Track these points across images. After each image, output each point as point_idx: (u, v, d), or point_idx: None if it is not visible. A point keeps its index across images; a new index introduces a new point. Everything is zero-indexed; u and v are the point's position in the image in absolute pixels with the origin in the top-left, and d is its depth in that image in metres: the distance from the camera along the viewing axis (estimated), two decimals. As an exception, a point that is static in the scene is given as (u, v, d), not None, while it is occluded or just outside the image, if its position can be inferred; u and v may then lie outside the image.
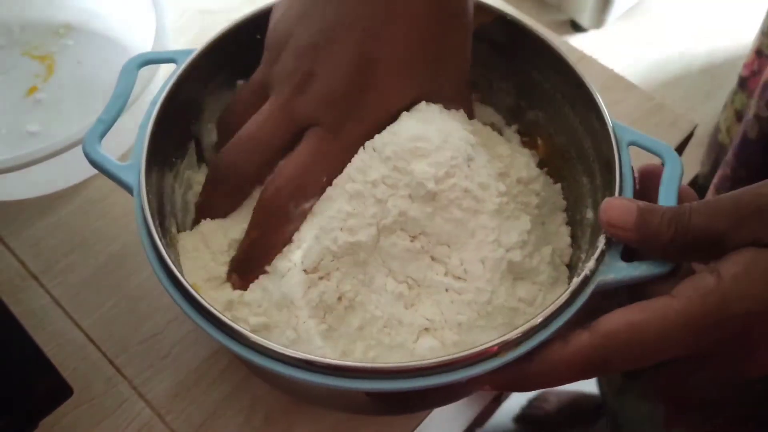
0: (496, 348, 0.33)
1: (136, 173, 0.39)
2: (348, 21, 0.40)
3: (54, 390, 0.36)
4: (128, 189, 0.39)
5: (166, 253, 0.36)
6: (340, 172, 0.41)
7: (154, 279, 0.49)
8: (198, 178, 0.45)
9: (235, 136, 0.42)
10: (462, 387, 0.39)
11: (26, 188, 0.53)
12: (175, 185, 0.44)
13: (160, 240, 0.37)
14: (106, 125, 0.41)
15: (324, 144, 0.40)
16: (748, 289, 0.32)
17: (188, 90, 0.44)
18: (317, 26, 0.41)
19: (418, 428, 0.45)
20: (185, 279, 0.36)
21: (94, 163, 0.40)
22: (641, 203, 0.36)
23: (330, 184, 0.41)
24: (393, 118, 0.41)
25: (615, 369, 0.34)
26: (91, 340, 0.47)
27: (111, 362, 0.47)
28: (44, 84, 0.59)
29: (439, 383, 0.33)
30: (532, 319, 0.34)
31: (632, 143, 0.41)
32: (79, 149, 0.49)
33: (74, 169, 0.53)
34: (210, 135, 0.47)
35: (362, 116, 0.41)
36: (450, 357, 0.33)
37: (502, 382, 0.35)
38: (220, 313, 0.34)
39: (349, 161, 0.41)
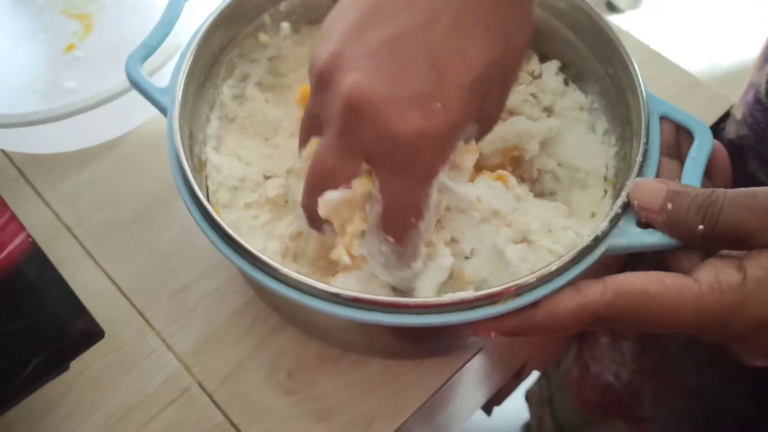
0: (501, 292, 0.34)
1: (171, 96, 0.40)
2: None
3: (86, 331, 0.37)
4: (162, 110, 0.41)
5: (193, 176, 0.38)
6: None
7: (184, 234, 0.50)
8: (237, 110, 0.46)
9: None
10: (467, 331, 0.40)
11: (63, 143, 0.54)
12: (211, 115, 0.45)
13: (188, 162, 0.38)
14: (149, 49, 0.43)
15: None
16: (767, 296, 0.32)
17: (232, 24, 0.45)
18: None
19: (431, 400, 0.45)
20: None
21: (133, 83, 0.42)
22: (672, 185, 0.35)
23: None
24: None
25: (617, 327, 0.34)
26: (122, 292, 0.48)
27: (141, 314, 0.47)
28: (82, 42, 0.60)
29: (442, 322, 0.34)
30: (532, 274, 0.34)
31: (664, 115, 0.41)
32: (114, 105, 0.50)
33: (110, 125, 0.54)
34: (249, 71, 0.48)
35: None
36: (456, 297, 0.34)
37: (507, 328, 0.35)
38: (241, 238, 0.36)
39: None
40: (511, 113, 0.47)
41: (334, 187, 0.36)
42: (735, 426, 0.64)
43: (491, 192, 0.40)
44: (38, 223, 0.51)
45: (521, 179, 0.45)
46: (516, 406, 1.01)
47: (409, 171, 0.35)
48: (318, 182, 0.37)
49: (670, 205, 0.34)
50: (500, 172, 0.42)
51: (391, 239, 0.36)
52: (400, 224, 0.36)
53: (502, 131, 0.44)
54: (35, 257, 0.38)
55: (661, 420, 0.67)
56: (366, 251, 0.38)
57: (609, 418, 0.71)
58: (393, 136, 0.34)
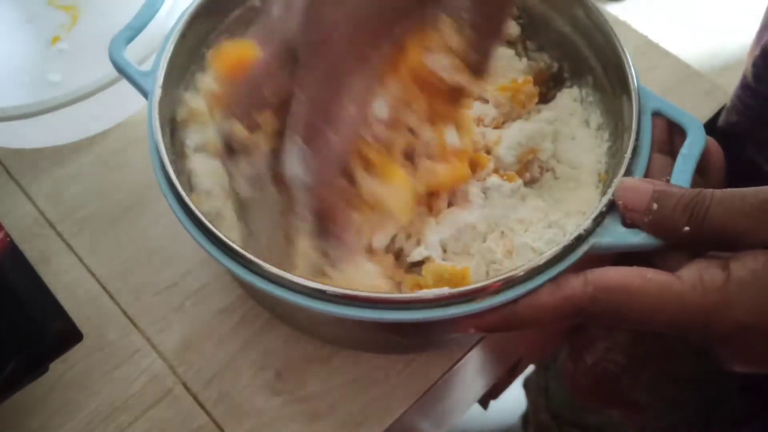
0: (480, 289, 0.33)
1: (153, 79, 0.40)
2: None
3: (64, 333, 0.36)
4: (145, 94, 0.40)
5: (172, 160, 0.37)
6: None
7: (169, 231, 0.49)
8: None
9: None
10: (448, 328, 0.39)
11: (47, 137, 0.53)
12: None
13: (169, 147, 0.38)
14: (133, 31, 0.43)
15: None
16: (750, 298, 0.31)
17: (220, 7, 0.44)
18: None
19: (423, 398, 0.45)
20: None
21: (116, 66, 0.42)
22: (658, 185, 0.35)
23: None
24: None
25: (597, 321, 0.34)
26: (106, 290, 0.47)
27: (124, 312, 0.47)
28: (68, 34, 0.59)
29: (419, 319, 0.33)
30: (514, 270, 0.33)
31: (656, 111, 0.40)
32: (99, 98, 0.49)
33: (95, 119, 0.53)
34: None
35: None
36: (434, 294, 0.33)
37: (487, 324, 0.34)
38: (221, 233, 0.35)
39: None
40: (505, 120, 0.46)
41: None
42: (729, 419, 0.64)
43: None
44: (22, 219, 0.50)
45: (524, 180, 0.44)
46: (513, 399, 1.01)
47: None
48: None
49: (655, 206, 0.34)
50: (508, 173, 0.43)
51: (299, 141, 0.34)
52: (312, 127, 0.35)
53: (514, 138, 0.43)
54: (12, 256, 0.38)
55: (658, 409, 0.66)
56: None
57: (606, 407, 0.71)
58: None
